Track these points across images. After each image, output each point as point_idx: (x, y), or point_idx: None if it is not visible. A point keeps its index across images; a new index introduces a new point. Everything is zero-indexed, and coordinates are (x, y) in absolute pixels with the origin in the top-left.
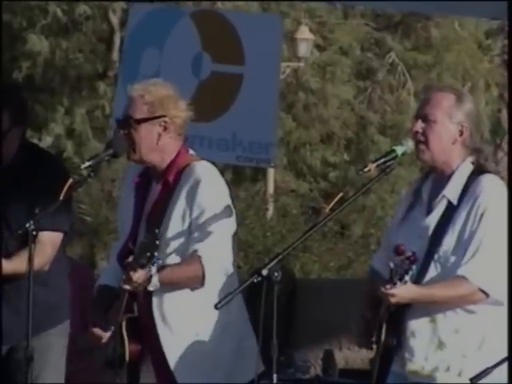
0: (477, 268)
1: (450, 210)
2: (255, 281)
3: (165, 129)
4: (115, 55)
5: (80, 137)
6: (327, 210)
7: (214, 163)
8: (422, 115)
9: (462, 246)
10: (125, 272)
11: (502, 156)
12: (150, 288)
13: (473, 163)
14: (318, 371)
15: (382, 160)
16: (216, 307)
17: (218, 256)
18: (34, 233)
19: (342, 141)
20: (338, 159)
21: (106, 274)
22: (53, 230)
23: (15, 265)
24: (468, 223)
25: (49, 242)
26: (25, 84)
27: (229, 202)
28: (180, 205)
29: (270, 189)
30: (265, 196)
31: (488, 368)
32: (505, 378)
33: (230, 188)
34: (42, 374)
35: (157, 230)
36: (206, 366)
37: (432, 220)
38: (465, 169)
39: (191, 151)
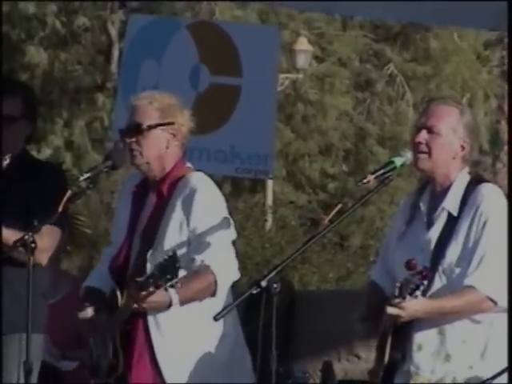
0: (483, 277)
1: (451, 222)
2: (254, 292)
3: (173, 136)
4: (114, 67)
5: (79, 149)
6: (326, 222)
7: (212, 175)
8: (427, 126)
9: (466, 257)
10: (134, 290)
11: (501, 167)
12: (173, 309)
13: (470, 173)
14: (317, 382)
15: (381, 171)
16: (215, 319)
17: (226, 263)
18: (33, 245)
19: (341, 152)
20: (336, 170)
21: (95, 275)
22: (51, 224)
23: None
24: (471, 233)
25: (46, 232)
26: None
27: (225, 211)
28: (176, 215)
29: (269, 200)
30: (263, 207)
31: (488, 379)
32: (505, 378)
33: (228, 200)
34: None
35: (177, 251)
36: (199, 377)
37: (434, 233)
38: (462, 179)
39: (188, 164)
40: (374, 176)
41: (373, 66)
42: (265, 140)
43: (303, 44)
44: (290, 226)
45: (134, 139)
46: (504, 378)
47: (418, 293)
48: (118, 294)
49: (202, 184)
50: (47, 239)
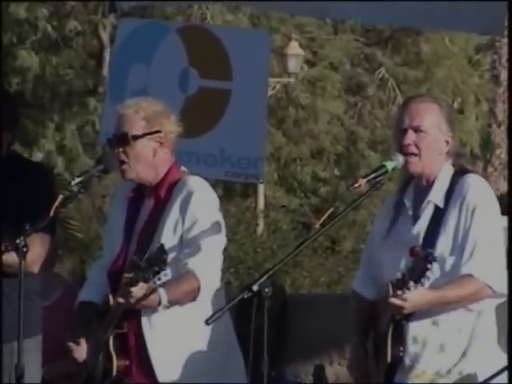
0: (480, 264)
1: (438, 214)
2: (245, 296)
3: (160, 144)
4: (105, 71)
5: (70, 153)
6: (317, 226)
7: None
8: (413, 127)
9: (458, 246)
10: (123, 286)
11: (492, 171)
12: (160, 309)
13: (453, 165)
14: None
15: (373, 175)
16: (207, 323)
17: (211, 270)
18: (25, 249)
19: (333, 156)
20: (328, 174)
21: (87, 289)
22: (41, 231)
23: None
24: (460, 222)
25: (37, 240)
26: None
27: (220, 215)
28: (172, 217)
29: (261, 204)
30: (255, 212)
31: (487, 379)
32: (505, 378)
33: (220, 204)
34: None
35: (164, 236)
36: (192, 378)
37: (421, 227)
38: (447, 172)
39: (183, 167)
40: (365, 180)
41: (364, 69)
42: (255, 144)
43: (294, 48)
44: (281, 230)
45: (121, 149)
46: (504, 377)
47: (425, 279)
48: (110, 297)
49: (199, 187)
50: (38, 248)
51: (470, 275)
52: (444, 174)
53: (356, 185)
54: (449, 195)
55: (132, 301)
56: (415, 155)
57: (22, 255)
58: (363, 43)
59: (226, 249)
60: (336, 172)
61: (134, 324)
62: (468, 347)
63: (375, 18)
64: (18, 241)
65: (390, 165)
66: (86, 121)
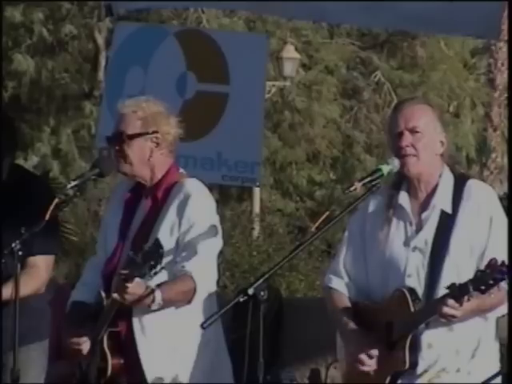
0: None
1: (447, 219)
2: (241, 300)
3: (157, 145)
4: (101, 75)
5: (66, 156)
6: (313, 229)
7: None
8: (409, 128)
9: (478, 255)
10: (118, 282)
11: (488, 175)
12: (154, 307)
13: (452, 171)
14: None
15: (368, 179)
16: (202, 326)
17: (207, 273)
18: (20, 253)
19: (328, 160)
20: (324, 178)
21: (80, 289)
22: (46, 254)
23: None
24: (475, 230)
25: (43, 265)
26: (10, 104)
27: (216, 218)
28: (169, 220)
29: (256, 208)
30: (251, 215)
31: (488, 379)
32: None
33: (216, 207)
34: None
35: (159, 238)
36: (181, 381)
37: (428, 232)
38: (447, 177)
39: (181, 170)
40: (361, 184)
41: (360, 73)
42: (252, 147)
43: (290, 52)
44: (277, 233)
45: (117, 147)
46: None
47: (503, 285)
48: (103, 295)
49: (196, 190)
50: (44, 272)
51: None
52: (446, 179)
53: (352, 188)
54: (456, 201)
55: (127, 297)
56: (413, 156)
57: (18, 259)
58: (359, 47)
59: (221, 252)
60: (332, 176)
61: (127, 323)
62: (477, 348)
63: (371, 21)
64: (13, 245)
65: (385, 168)
66: (81, 124)
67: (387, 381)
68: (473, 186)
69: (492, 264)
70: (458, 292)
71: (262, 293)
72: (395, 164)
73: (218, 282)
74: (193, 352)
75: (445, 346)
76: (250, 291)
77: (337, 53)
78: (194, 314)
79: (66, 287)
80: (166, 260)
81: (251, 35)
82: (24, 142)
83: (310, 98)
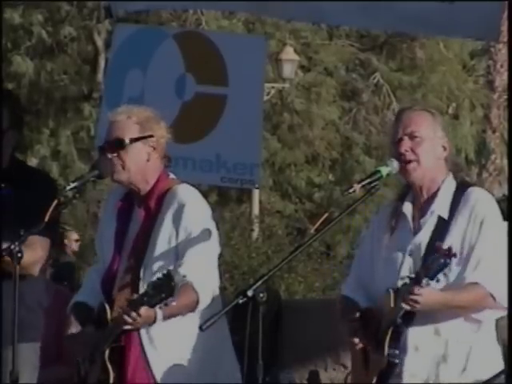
0: (485, 274)
1: (442, 225)
2: (240, 302)
3: (153, 149)
4: (100, 77)
5: (65, 158)
6: (312, 231)
7: (198, 184)
8: (408, 134)
9: (464, 258)
10: (126, 307)
11: (487, 176)
12: (153, 325)
13: (455, 178)
14: None
15: (367, 181)
16: (201, 329)
17: (209, 282)
18: (19, 254)
19: (327, 161)
20: (323, 180)
21: (83, 292)
22: (41, 235)
23: None
24: (467, 234)
25: (38, 243)
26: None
27: (213, 224)
28: (165, 229)
29: (256, 210)
30: (250, 217)
31: (488, 379)
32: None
33: (214, 209)
34: None
35: (172, 268)
36: None
37: (423, 237)
38: (449, 184)
39: (172, 175)
40: (360, 185)
41: (359, 75)
42: (251, 149)
43: (289, 53)
44: (276, 235)
45: (115, 154)
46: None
47: (442, 276)
48: (107, 308)
49: (190, 197)
50: (39, 251)
51: (476, 283)
52: (447, 186)
53: (351, 190)
54: (453, 207)
55: (133, 325)
56: (414, 161)
57: (17, 260)
58: (358, 49)
59: (221, 254)
60: (331, 177)
61: (134, 337)
62: (468, 360)
63: (370, 23)
64: (12, 246)
65: (384, 170)
66: (80, 126)
67: (374, 381)
68: (472, 192)
69: (438, 248)
70: (415, 279)
71: (261, 294)
72: (394, 166)
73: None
74: (197, 359)
75: (431, 349)
76: (250, 293)
77: (336, 54)
78: (200, 317)
79: (65, 289)
80: (163, 268)
81: (250, 37)
82: (23, 143)
83: (308, 99)
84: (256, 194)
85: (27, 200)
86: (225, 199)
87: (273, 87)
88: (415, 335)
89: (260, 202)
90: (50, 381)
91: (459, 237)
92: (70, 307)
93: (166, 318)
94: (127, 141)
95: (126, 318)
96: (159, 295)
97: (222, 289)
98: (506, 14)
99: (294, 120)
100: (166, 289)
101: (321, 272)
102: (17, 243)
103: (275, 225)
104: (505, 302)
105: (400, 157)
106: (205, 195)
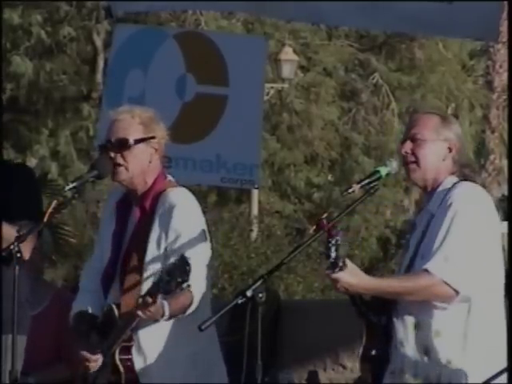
0: (439, 262)
1: (430, 221)
2: (239, 302)
3: (155, 150)
4: (99, 77)
5: (64, 158)
6: (311, 231)
7: (197, 185)
8: (410, 136)
9: (430, 247)
10: (142, 299)
11: (486, 176)
12: (161, 320)
13: (458, 176)
14: None
15: (366, 181)
16: (200, 329)
17: (201, 284)
18: (19, 255)
19: (326, 162)
20: (322, 180)
21: (83, 298)
22: (28, 219)
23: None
24: (440, 227)
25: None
26: (9, 106)
27: (204, 226)
28: (155, 231)
29: (255, 210)
30: (249, 217)
31: (488, 379)
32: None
33: (214, 209)
34: None
35: (185, 254)
36: None
37: (417, 235)
38: (448, 182)
39: (170, 177)
40: (359, 185)
41: (358, 75)
42: (251, 150)
43: (288, 54)
44: (275, 235)
45: (119, 154)
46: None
47: (332, 252)
48: (115, 308)
49: (180, 200)
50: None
51: (424, 270)
52: (445, 184)
53: (350, 190)
54: (441, 203)
55: (150, 315)
56: (413, 163)
57: (16, 260)
58: (357, 49)
59: (220, 254)
60: (330, 178)
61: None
62: (453, 353)
63: (369, 23)
64: (11, 246)
65: (383, 170)
66: (79, 126)
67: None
68: (458, 187)
69: (322, 225)
70: (332, 266)
71: (260, 295)
72: (393, 166)
73: (216, 284)
74: (184, 363)
75: (413, 343)
76: (249, 293)
77: (335, 55)
78: (185, 323)
79: (65, 290)
80: (154, 270)
81: (250, 37)
82: (22, 144)
83: (308, 99)
84: (255, 194)
85: (8, 192)
86: (224, 199)
87: (272, 87)
88: (398, 330)
89: (259, 202)
90: (50, 381)
91: (435, 231)
92: (73, 316)
93: (172, 314)
94: (131, 141)
95: (140, 308)
96: (175, 280)
97: (221, 289)
98: (505, 14)
99: (293, 120)
100: (181, 273)
101: (320, 272)
102: (16, 243)
103: (274, 225)
104: (469, 293)
105: (402, 158)
106: (204, 195)
